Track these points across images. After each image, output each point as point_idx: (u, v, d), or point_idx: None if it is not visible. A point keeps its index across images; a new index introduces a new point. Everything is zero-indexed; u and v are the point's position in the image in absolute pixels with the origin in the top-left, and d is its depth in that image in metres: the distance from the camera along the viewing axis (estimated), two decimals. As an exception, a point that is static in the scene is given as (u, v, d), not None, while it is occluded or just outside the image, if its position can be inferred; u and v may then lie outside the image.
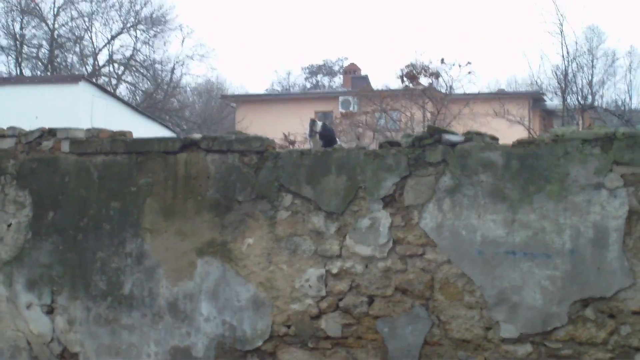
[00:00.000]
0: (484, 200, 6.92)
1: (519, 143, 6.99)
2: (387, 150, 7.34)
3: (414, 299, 7.10)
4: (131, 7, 54.28)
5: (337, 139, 11.86)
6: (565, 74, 32.37)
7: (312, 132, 9.89)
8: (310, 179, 7.49)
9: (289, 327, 7.49)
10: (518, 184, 6.84)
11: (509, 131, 23.70)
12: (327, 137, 9.62)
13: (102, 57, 54.62)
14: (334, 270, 7.33)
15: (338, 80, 69.03)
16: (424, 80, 32.11)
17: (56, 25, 51.89)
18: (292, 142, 26.84)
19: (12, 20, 50.54)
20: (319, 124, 10.12)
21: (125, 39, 54.17)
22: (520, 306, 6.73)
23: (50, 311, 8.37)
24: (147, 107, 46.49)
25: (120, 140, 8.29)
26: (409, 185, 7.17)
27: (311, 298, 7.42)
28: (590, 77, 38.62)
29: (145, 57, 54.76)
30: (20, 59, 50.50)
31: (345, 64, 67.02)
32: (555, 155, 6.74)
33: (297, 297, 7.47)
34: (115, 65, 54.93)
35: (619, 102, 42.71)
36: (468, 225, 6.94)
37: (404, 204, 7.17)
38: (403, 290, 7.12)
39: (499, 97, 33.31)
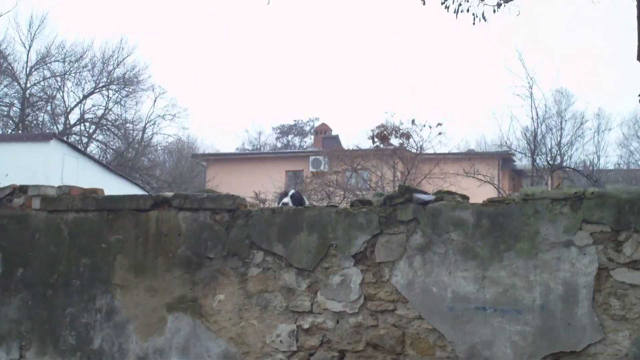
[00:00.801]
0: (454, 258, 6.96)
1: (490, 202, 7.05)
2: (359, 208, 7.39)
3: (386, 354, 7.09)
4: (104, 67, 54.50)
5: (307, 200, 11.86)
6: (535, 136, 32.70)
7: None
8: (282, 237, 7.50)
9: (260, 382, 7.46)
10: (488, 242, 6.88)
11: (478, 190, 23.87)
12: (298, 204, 9.63)
13: (74, 116, 54.66)
14: (305, 326, 7.32)
15: (309, 140, 69.37)
16: (395, 141, 32.33)
17: (28, 84, 51.92)
18: (263, 201, 26.84)
19: (-16, 80, 50.53)
20: (289, 202, 10.13)
21: (97, 99, 54.15)
22: (492, 361, 6.75)
23: (18, 366, 8.29)
24: (117, 165, 46.45)
25: (91, 198, 8.29)
26: (380, 243, 7.20)
27: (282, 353, 7.40)
28: (559, 139, 39.10)
29: (116, 117, 54.86)
30: (-9, 118, 50.40)
31: (316, 124, 67.41)
32: (525, 214, 6.81)
33: (268, 352, 7.44)
34: (87, 124, 54.94)
35: (588, 163, 43.23)
36: (439, 282, 6.97)
37: (375, 261, 7.19)
38: (374, 345, 7.11)
39: (469, 157, 33.52)
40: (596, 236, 6.61)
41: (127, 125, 55.32)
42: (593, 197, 6.67)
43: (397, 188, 7.62)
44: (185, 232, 7.85)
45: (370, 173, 32.80)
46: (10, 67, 51.59)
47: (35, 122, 52.63)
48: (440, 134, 31.64)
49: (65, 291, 8.20)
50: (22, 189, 8.58)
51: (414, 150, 32.50)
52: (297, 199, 10.55)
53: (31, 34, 53.11)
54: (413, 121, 31.68)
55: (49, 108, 54.03)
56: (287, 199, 10.45)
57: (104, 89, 54.30)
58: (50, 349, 8.20)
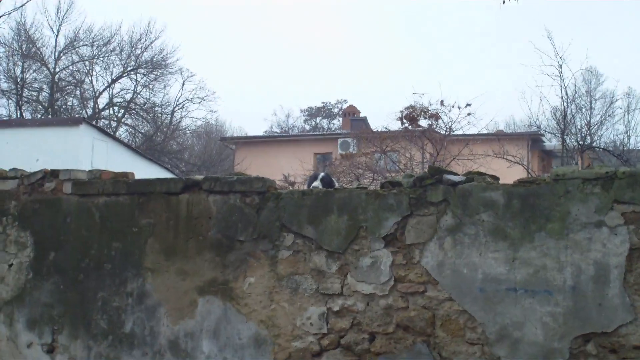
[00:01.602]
0: (485, 239, 6.95)
1: (520, 182, 7.02)
2: (389, 190, 7.38)
3: (416, 335, 7.10)
4: (132, 51, 54.64)
5: (337, 182, 11.78)
6: (564, 115, 32.44)
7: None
8: (312, 219, 7.52)
9: (290, 364, 7.50)
10: (519, 222, 6.86)
11: (508, 171, 23.71)
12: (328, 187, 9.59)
13: (103, 100, 54.90)
14: (336, 308, 7.34)
15: (337, 122, 69.27)
16: (424, 122, 32.18)
17: (57, 69, 52.15)
18: (292, 183, 26.84)
19: (14, 64, 50.82)
20: (319, 185, 10.09)
21: (125, 82, 54.26)
22: (522, 342, 6.73)
23: (51, 350, 8.37)
24: (146, 149, 46.64)
25: (122, 182, 8.33)
26: (411, 225, 7.20)
27: (313, 335, 7.42)
28: (588, 118, 38.81)
29: (145, 100, 55.01)
30: (20, 102, 50.65)
31: (344, 106, 67.25)
32: (556, 194, 6.78)
33: (299, 335, 7.47)
34: (116, 108, 55.16)
35: (618, 143, 42.87)
36: (469, 263, 6.96)
37: (405, 243, 7.19)
38: (404, 327, 7.12)
39: (498, 137, 33.31)
40: (628, 216, 6.58)
41: (156, 108, 55.49)
42: (624, 177, 6.63)
43: (426, 169, 7.59)
44: (216, 215, 7.88)
45: (399, 155, 32.65)
46: (39, 52, 51.85)
47: (64, 106, 52.89)
48: (469, 114, 31.42)
49: (96, 275, 8.26)
50: (54, 173, 8.64)
51: (442, 132, 32.34)
52: (327, 182, 10.48)
53: (59, 18, 53.38)
54: (442, 102, 31.51)
55: (77, 92, 54.30)
56: (317, 183, 10.39)
57: (132, 72, 54.47)
58: (82, 333, 8.27)
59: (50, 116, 48.10)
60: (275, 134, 65.66)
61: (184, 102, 56.45)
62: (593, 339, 6.57)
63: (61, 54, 52.64)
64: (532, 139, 41.30)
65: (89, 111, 53.06)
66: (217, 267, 7.82)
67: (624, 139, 46.75)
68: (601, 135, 42.00)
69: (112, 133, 41.28)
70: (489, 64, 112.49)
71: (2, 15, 39.51)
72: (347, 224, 7.39)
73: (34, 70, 52.03)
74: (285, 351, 7.51)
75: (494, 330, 6.83)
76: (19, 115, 48.82)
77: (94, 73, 54.50)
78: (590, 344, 6.57)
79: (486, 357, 6.87)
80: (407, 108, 32.07)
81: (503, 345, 6.80)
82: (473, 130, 35.01)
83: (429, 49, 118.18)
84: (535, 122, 35.32)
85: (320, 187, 9.85)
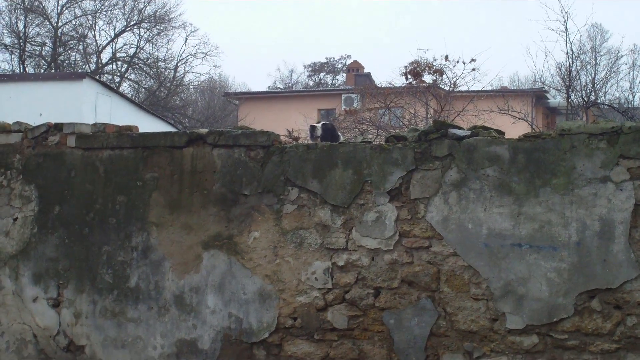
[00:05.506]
0: (490, 194, 6.94)
1: (526, 137, 7.01)
2: (394, 144, 7.37)
3: (420, 291, 7.12)
4: (135, 5, 54.22)
5: (341, 135, 11.64)
6: (569, 72, 32.25)
7: (313, 138, 9.82)
8: (317, 173, 7.50)
9: (295, 319, 7.52)
10: (524, 177, 6.86)
11: (512, 127, 23.62)
12: (329, 137, 9.49)
13: (106, 55, 54.64)
14: (340, 263, 7.36)
15: (341, 78, 68.97)
16: (428, 78, 31.96)
17: (60, 24, 51.88)
18: (296, 139, 26.74)
19: (16, 19, 50.56)
20: (319, 128, 9.99)
21: (128, 37, 53.97)
22: (527, 298, 6.76)
23: (56, 304, 8.39)
24: (150, 104, 46.40)
25: (126, 135, 8.31)
26: (415, 179, 7.18)
27: (317, 290, 7.45)
28: (593, 75, 38.62)
29: (148, 55, 54.73)
30: (23, 57, 50.43)
31: (348, 61, 66.94)
32: (561, 149, 6.76)
33: (304, 290, 7.50)
34: (119, 63, 54.92)
35: (623, 100, 42.69)
36: (474, 218, 6.96)
37: (410, 198, 7.19)
38: (409, 282, 7.14)
39: (503, 94, 33.08)
40: (633, 171, 6.58)
41: (159, 64, 55.20)
42: (630, 132, 6.62)
43: (432, 123, 7.57)
44: (220, 169, 7.86)
45: (403, 110, 32.49)
46: (42, 7, 51.57)
47: (67, 61, 52.67)
48: (473, 70, 31.17)
49: (101, 229, 8.26)
50: (57, 127, 8.61)
51: (447, 87, 32.16)
52: (329, 128, 10.37)
53: (61, -28, 52.95)
54: (446, 57, 31.20)
55: (80, 47, 54.05)
56: (319, 126, 10.25)
57: (135, 27, 54.14)
58: (87, 287, 8.29)
59: (53, 71, 47.89)
60: (279, 90, 65.32)
61: (188, 57, 56.12)
62: (598, 295, 6.59)
63: (64, 8, 52.26)
64: (537, 95, 41.13)
65: (92, 66, 52.77)
66: (222, 222, 7.82)
67: (629, 95, 46.55)
68: (606, 92, 41.87)
69: (115, 88, 41.13)
70: (494, 18, 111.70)
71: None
72: (351, 178, 7.38)
73: (37, 25, 51.71)
74: (290, 306, 7.53)
75: (499, 286, 6.85)
76: (21, 70, 48.66)
77: (97, 27, 54.25)
78: (594, 300, 6.59)
79: (491, 312, 6.89)
80: (411, 63, 31.77)
81: (508, 300, 6.82)
82: (477, 86, 34.91)
83: (433, 4, 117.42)
84: (539, 79, 35.13)
85: (321, 131, 9.77)
